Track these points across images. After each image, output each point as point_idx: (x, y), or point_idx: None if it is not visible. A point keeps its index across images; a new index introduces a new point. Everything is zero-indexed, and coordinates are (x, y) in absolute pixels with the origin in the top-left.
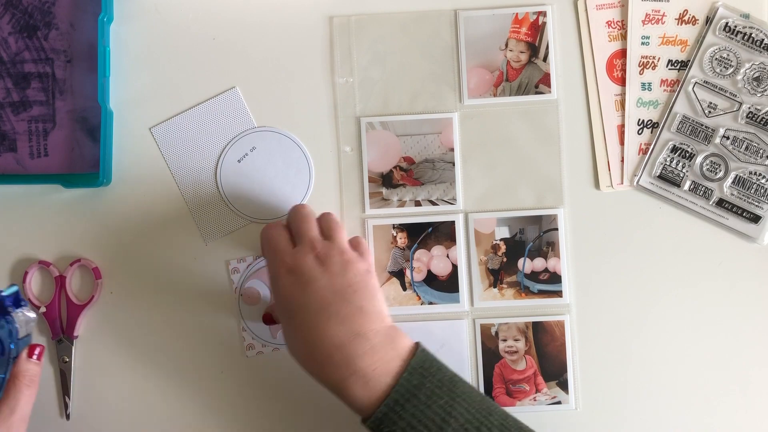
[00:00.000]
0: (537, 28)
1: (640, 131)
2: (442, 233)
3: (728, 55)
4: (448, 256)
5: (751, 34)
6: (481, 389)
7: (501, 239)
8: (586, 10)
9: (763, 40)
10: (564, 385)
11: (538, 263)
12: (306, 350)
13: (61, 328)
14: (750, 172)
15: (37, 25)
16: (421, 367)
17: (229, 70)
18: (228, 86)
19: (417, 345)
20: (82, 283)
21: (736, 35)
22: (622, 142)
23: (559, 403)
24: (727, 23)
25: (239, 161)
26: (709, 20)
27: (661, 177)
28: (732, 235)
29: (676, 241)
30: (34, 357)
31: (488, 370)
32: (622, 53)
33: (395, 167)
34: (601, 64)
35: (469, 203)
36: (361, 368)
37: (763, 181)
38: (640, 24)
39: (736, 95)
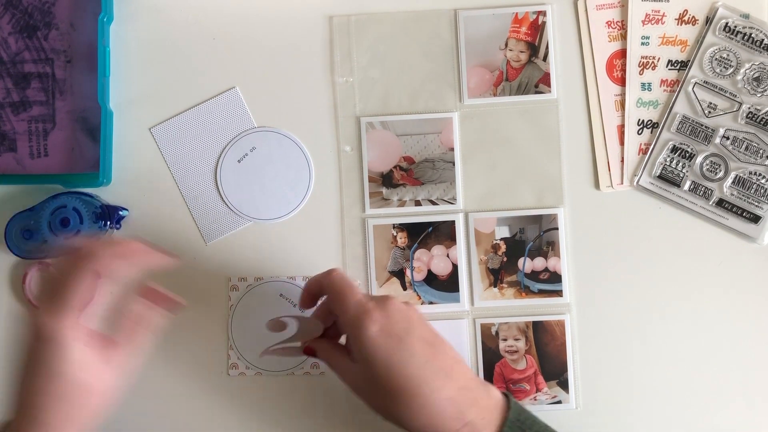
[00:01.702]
0: (537, 28)
1: (640, 131)
2: (442, 233)
3: (728, 55)
4: (448, 256)
5: (750, 34)
6: None
7: (501, 239)
8: (586, 10)
9: (763, 40)
10: (564, 385)
11: (539, 263)
12: (414, 407)
13: None
14: (750, 172)
15: (37, 25)
16: (518, 419)
17: (229, 70)
18: (228, 86)
19: (507, 396)
20: None
21: (736, 35)
22: (622, 142)
23: (559, 402)
24: (727, 23)
25: (239, 161)
26: (709, 20)
27: (661, 177)
28: (732, 235)
29: (676, 241)
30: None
31: (488, 369)
32: (622, 53)
33: (395, 167)
34: (601, 64)
35: (469, 203)
36: (471, 420)
37: (763, 181)
38: (640, 24)
39: (736, 95)
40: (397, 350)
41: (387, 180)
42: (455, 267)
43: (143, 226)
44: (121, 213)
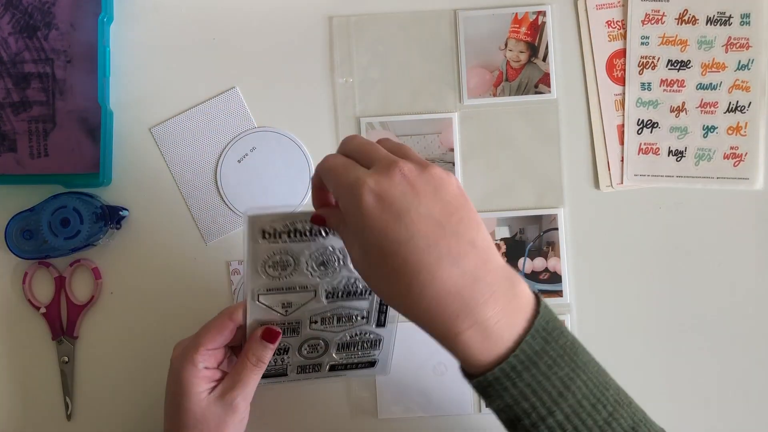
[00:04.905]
0: (536, 28)
1: (639, 131)
2: None
3: (281, 258)
4: None
5: (296, 228)
6: None
7: (501, 239)
8: (586, 9)
9: (306, 230)
10: None
11: (539, 263)
12: (411, 298)
13: (61, 328)
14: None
15: (37, 25)
16: (544, 329)
17: (229, 70)
18: (228, 86)
19: (538, 298)
20: (82, 283)
21: (279, 237)
22: (622, 142)
23: None
24: (263, 230)
25: (239, 161)
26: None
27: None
28: (732, 235)
29: (676, 241)
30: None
31: None
32: (623, 53)
33: None
34: (601, 63)
35: None
36: (482, 320)
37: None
38: (639, 24)
39: (306, 286)
40: (394, 227)
41: None
42: None
43: (143, 226)
44: (121, 213)
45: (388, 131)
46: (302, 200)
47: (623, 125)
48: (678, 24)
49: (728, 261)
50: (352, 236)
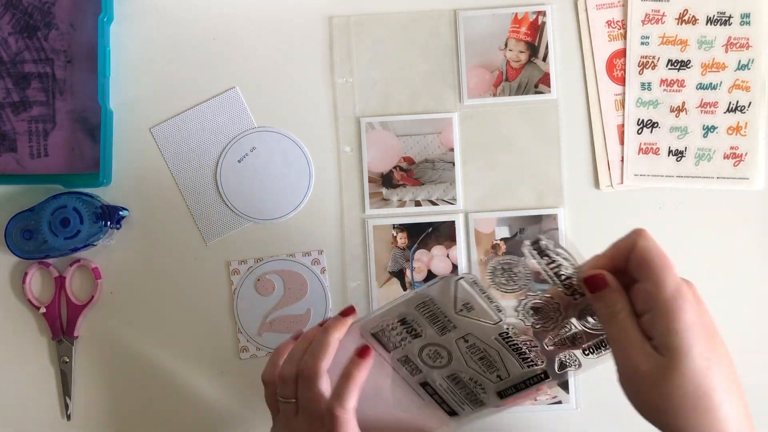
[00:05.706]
0: (536, 28)
1: (639, 131)
2: (442, 233)
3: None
4: (448, 256)
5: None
6: None
7: (501, 239)
8: (586, 9)
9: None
10: (564, 385)
11: None
12: (701, 423)
13: (61, 328)
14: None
15: (37, 25)
16: None
17: (229, 70)
18: (228, 86)
19: None
20: (82, 283)
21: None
22: (622, 142)
23: (559, 402)
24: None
25: (239, 161)
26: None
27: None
28: (732, 235)
29: (676, 242)
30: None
31: None
32: (622, 53)
33: (395, 167)
34: (601, 63)
35: (469, 203)
36: None
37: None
38: (639, 24)
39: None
40: (709, 349)
41: (387, 180)
42: (455, 267)
43: (143, 226)
44: (121, 213)
45: (388, 131)
46: (302, 201)
47: (623, 125)
48: (678, 24)
49: (728, 261)
50: (645, 348)
